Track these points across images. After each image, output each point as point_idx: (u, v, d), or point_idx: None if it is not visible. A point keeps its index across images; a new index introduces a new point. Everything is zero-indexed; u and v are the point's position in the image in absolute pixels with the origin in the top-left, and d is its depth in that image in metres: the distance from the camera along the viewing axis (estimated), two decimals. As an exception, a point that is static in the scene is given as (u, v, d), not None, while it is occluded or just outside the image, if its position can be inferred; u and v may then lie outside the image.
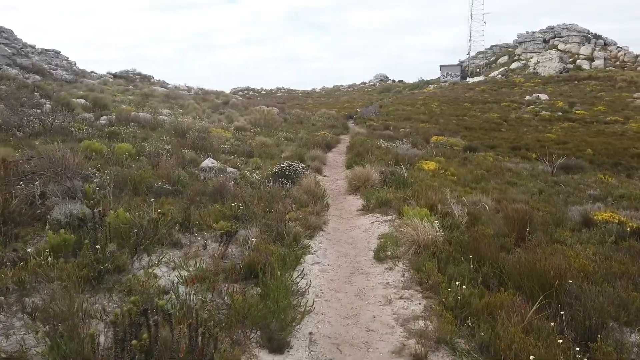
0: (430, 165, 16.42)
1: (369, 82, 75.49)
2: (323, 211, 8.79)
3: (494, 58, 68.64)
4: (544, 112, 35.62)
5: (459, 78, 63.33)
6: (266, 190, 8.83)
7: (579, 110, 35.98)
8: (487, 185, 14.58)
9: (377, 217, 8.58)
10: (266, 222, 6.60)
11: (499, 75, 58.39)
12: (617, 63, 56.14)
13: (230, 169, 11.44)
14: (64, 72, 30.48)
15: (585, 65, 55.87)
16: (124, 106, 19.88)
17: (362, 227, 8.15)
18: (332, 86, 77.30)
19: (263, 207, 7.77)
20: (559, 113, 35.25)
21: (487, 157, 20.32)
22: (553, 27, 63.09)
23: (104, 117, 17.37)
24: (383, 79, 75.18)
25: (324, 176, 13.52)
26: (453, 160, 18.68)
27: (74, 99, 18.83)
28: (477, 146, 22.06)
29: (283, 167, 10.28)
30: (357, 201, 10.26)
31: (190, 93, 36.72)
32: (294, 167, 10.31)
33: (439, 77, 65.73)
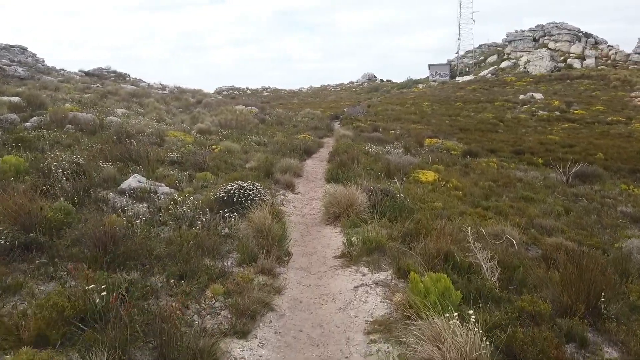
0: (429, 175, 13.26)
1: (357, 82, 72.31)
2: (281, 265, 5.54)
3: (482, 57, 65.86)
4: (540, 111, 32.74)
5: (448, 77, 60.47)
6: (193, 233, 5.55)
7: (577, 110, 33.15)
8: (500, 202, 11.47)
9: (365, 276, 5.35)
10: (145, 321, 3.34)
11: (489, 74, 55.59)
12: (609, 62, 53.59)
13: (164, 190, 8.15)
14: (21, 69, 26.81)
15: (577, 64, 53.27)
16: (67, 105, 16.41)
17: (339, 297, 4.92)
18: (319, 86, 74.03)
19: (174, 272, 4.52)
20: (557, 113, 32.39)
21: (490, 163, 17.23)
22: (543, 26, 60.42)
23: (35, 118, 13.94)
24: (371, 78, 72.04)
25: (297, 194, 10.26)
26: (453, 169, 15.55)
27: (2, 97, 15.33)
28: (477, 150, 18.93)
29: (230, 190, 7.00)
30: (335, 238, 7.03)
31: (165, 92, 33.22)
32: (245, 190, 7.03)
33: (428, 77, 62.82)
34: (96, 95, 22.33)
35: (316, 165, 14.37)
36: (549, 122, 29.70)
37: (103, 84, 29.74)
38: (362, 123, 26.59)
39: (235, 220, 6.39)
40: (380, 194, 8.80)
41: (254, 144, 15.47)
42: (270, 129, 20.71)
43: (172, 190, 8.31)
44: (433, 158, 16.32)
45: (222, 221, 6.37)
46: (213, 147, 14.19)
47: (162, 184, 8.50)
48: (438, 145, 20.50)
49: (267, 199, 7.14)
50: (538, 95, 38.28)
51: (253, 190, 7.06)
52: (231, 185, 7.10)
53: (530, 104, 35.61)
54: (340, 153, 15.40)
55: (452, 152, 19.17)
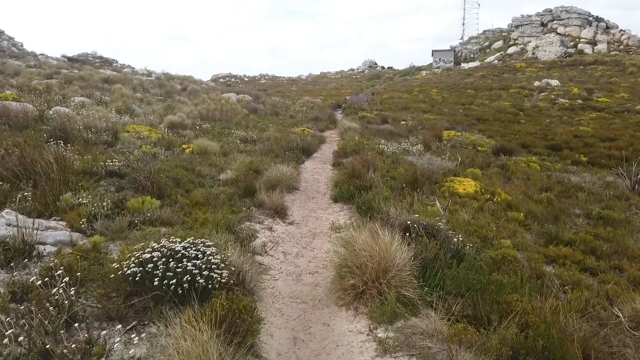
0: (467, 185, 9.65)
1: (358, 69, 68.13)
2: None
3: (487, 43, 61.66)
4: (561, 99, 28.96)
5: (452, 64, 56.44)
6: None
7: (600, 98, 29.33)
8: (577, 228, 7.87)
9: None
10: None
11: (496, 61, 51.52)
12: (621, 47, 49.54)
13: (57, 238, 4.53)
14: (-17, 51, 22.92)
15: (588, 49, 49.22)
16: (7, 92, 12.70)
17: None
18: (319, 73, 69.80)
19: None
20: (579, 101, 28.61)
21: (530, 163, 13.58)
22: (551, 10, 56.14)
23: (-52, 109, 10.26)
24: (372, 65, 67.83)
25: (290, 224, 6.63)
26: (490, 172, 11.92)
27: None
28: (511, 147, 15.25)
29: (150, 259, 3.35)
30: (361, 355, 3.41)
31: (150, 78, 29.35)
32: (181, 257, 3.39)
33: (431, 63, 58.74)
34: (61, 81, 18.56)
35: (318, 170, 10.71)
36: (574, 111, 25.96)
37: (80, 69, 25.86)
38: (367, 113, 22.84)
39: (146, 340, 2.76)
40: (426, 234, 5.21)
41: (238, 141, 11.79)
42: (262, 121, 17.00)
43: (76, 236, 4.69)
44: (462, 158, 12.64)
45: (117, 340, 2.75)
46: (183, 146, 10.56)
47: (61, 224, 4.87)
48: (460, 139, 16.83)
49: (227, 275, 3.47)
50: (554, 82, 34.45)
51: (198, 257, 3.41)
52: (156, 248, 3.44)
53: (548, 91, 31.81)
54: (347, 153, 11.76)
55: (480, 148, 15.50)
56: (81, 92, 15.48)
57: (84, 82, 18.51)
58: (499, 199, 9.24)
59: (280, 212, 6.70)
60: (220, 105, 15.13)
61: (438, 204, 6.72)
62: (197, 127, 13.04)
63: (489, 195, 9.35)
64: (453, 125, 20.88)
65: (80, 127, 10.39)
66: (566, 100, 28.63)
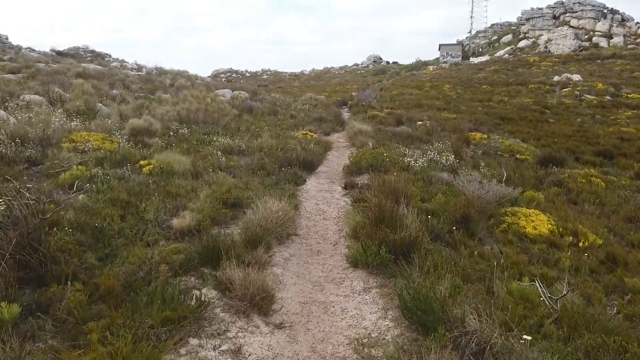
0: (537, 220, 6.60)
1: (362, 64, 64.72)
2: None
3: (495, 37, 58.11)
4: (587, 96, 25.71)
5: (460, 58, 53.01)
6: None
7: (630, 94, 26.05)
8: None
9: None
10: None
11: (506, 55, 48.04)
12: (638, 40, 45.99)
13: None
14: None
15: (603, 42, 45.68)
16: None
17: None
18: (322, 68, 66.39)
19: None
20: (608, 97, 25.37)
21: (590, 177, 10.48)
22: (563, 2, 52.48)
23: None
24: (377, 60, 64.39)
25: (274, 327, 3.59)
26: (549, 193, 8.84)
27: None
28: (562, 157, 12.10)
29: None
30: None
31: (140, 73, 26.27)
32: None
33: (438, 58, 55.30)
34: (25, 76, 15.55)
35: (324, 195, 7.65)
36: (605, 109, 22.75)
37: (58, 62, 22.82)
38: (378, 112, 19.69)
39: None
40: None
41: (219, 153, 8.71)
42: (257, 122, 13.95)
43: None
44: (507, 172, 9.51)
45: None
46: (142, 162, 7.51)
47: None
48: (492, 143, 13.70)
49: None
50: (575, 77, 31.11)
51: None
52: None
53: (570, 86, 28.51)
54: (362, 168, 8.70)
55: (519, 156, 12.40)
56: (37, 89, 12.45)
57: (52, 77, 15.47)
58: (586, 243, 6.20)
59: (260, 303, 3.66)
60: (205, 104, 12.06)
61: (539, 288, 3.67)
62: (171, 134, 10.00)
63: (570, 238, 6.31)
64: (476, 125, 17.78)
65: (2, 136, 7.40)
66: (593, 97, 25.38)
